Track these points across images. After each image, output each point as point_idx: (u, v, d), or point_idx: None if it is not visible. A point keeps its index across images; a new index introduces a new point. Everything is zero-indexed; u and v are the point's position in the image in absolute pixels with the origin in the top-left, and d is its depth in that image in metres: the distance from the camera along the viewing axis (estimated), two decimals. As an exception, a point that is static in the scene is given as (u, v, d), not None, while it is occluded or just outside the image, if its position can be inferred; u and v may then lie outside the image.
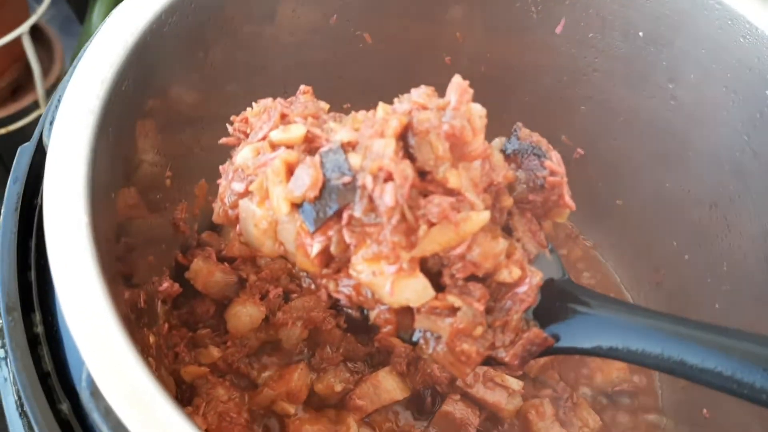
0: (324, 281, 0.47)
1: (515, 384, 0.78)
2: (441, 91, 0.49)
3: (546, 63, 0.78)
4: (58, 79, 1.31)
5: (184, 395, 0.77)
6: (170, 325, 0.79)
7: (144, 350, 0.67)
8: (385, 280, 0.44)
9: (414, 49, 0.79)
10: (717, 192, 0.77)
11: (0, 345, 0.50)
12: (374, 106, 0.48)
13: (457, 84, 0.46)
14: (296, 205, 0.45)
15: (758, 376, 0.42)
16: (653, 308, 0.78)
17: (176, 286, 0.78)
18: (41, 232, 0.49)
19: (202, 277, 0.81)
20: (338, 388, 0.79)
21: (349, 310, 0.49)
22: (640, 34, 0.74)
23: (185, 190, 0.80)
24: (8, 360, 0.48)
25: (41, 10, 1.21)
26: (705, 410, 0.79)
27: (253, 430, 0.76)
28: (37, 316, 0.50)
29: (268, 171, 0.46)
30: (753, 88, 0.69)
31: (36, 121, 1.24)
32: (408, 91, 0.49)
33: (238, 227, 0.50)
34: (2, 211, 0.54)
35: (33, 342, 0.48)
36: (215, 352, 0.79)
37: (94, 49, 0.55)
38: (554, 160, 0.49)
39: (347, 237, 0.44)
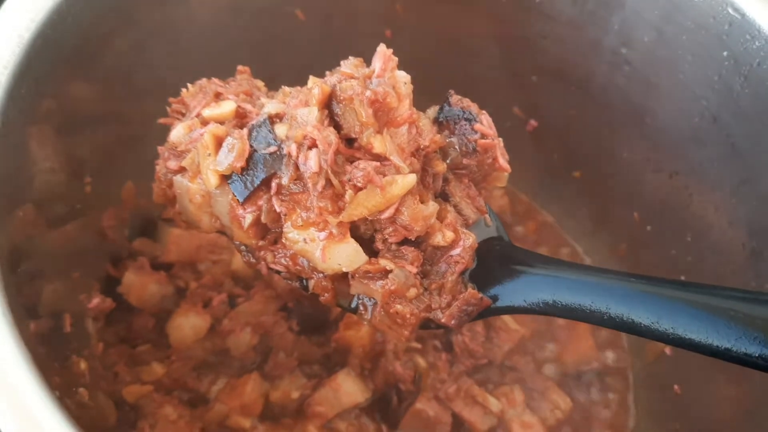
0: (262, 253, 0.54)
1: (495, 405, 0.84)
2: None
3: (492, 32, 0.85)
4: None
5: (127, 418, 0.77)
6: (106, 343, 0.80)
7: (72, 382, 0.67)
8: (317, 247, 0.50)
9: (352, 24, 0.84)
10: (677, 160, 0.83)
11: None
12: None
13: (382, 52, 0.52)
14: (225, 177, 0.51)
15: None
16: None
17: (108, 301, 0.79)
18: None
19: (135, 290, 0.82)
20: (295, 395, 0.81)
21: (290, 282, 0.55)
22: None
23: (110, 194, 0.81)
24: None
25: None
26: (676, 386, 0.86)
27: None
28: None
29: (198, 146, 0.52)
30: (709, 50, 0.73)
31: None
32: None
33: (177, 206, 0.56)
34: None
35: None
36: (159, 368, 0.81)
37: None
38: (485, 123, 0.55)
39: (277, 206, 0.50)
